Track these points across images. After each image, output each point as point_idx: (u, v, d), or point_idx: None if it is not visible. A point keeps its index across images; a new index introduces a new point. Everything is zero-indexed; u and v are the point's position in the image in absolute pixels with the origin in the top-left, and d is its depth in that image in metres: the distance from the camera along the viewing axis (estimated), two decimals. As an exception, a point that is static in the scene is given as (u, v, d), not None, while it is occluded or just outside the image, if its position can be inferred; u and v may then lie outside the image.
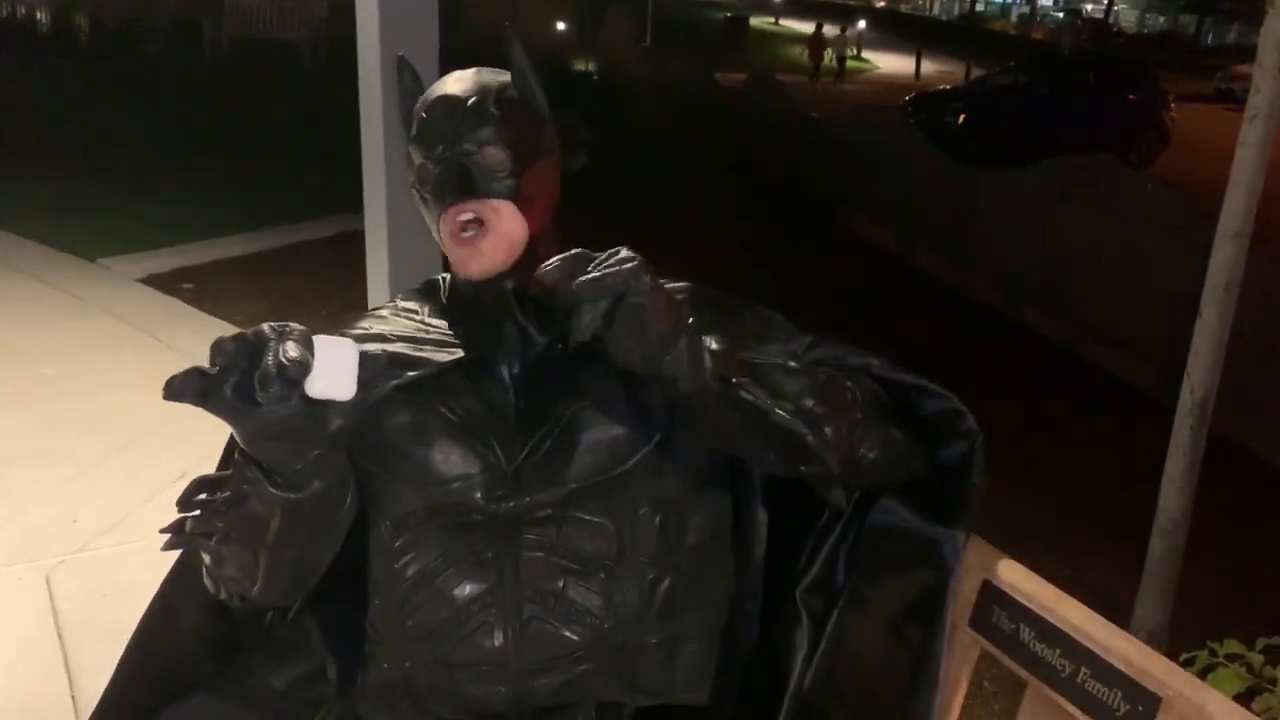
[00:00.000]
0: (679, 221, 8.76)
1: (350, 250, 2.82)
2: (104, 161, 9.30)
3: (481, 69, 1.28)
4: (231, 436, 1.26)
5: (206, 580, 1.21)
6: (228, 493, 1.08)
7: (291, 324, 0.98)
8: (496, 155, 1.20)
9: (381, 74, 2.66)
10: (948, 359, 5.85)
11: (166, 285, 6.02)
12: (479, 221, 1.20)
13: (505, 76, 1.27)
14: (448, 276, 1.37)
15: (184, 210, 7.74)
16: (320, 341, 0.96)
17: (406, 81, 1.32)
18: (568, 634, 1.23)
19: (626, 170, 10.00)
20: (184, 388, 0.94)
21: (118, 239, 6.81)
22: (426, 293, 1.38)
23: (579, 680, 1.25)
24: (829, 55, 26.91)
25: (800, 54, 29.97)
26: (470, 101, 1.22)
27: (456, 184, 1.19)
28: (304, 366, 0.93)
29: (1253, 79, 2.49)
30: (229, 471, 1.09)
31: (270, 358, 0.92)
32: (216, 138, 10.63)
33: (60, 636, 2.71)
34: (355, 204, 2.89)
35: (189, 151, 9.91)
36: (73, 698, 2.47)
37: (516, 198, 1.22)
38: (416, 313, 1.34)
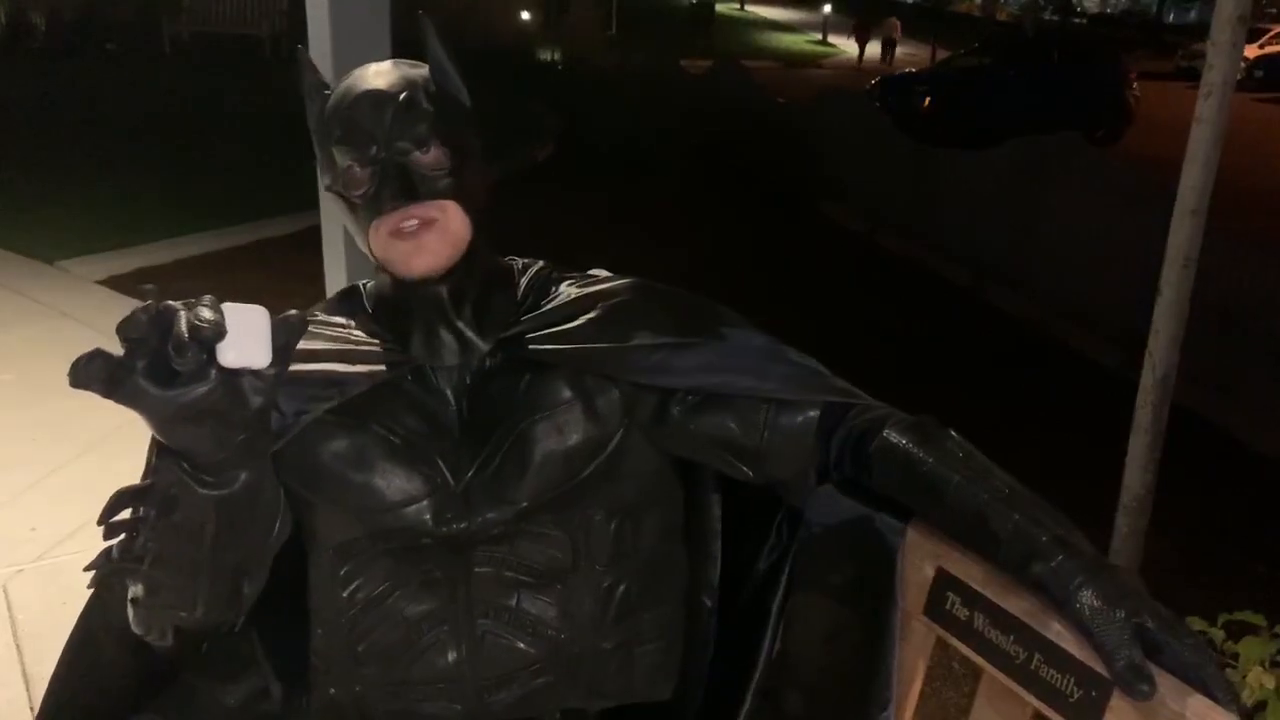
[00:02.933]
0: (646, 209, 8.75)
1: (314, 246, 2.79)
2: (62, 161, 9.17)
3: (399, 61, 1.21)
4: (152, 448, 1.21)
5: (135, 622, 1.08)
6: (153, 505, 0.99)
7: (201, 297, 0.90)
8: (433, 154, 1.13)
9: (334, 65, 2.62)
10: (917, 340, 5.89)
11: (127, 287, 5.93)
12: (425, 223, 1.13)
13: (425, 69, 1.20)
14: (369, 283, 1.29)
15: (145, 209, 7.64)
16: (230, 308, 0.89)
17: (309, 77, 1.23)
18: (523, 646, 1.20)
19: (594, 159, 9.97)
20: (89, 374, 0.85)
21: (77, 240, 6.72)
22: (346, 300, 1.29)
23: (536, 694, 1.22)
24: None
25: (769, 39, 30.31)
26: (401, 97, 1.14)
27: (396, 187, 1.12)
28: (218, 327, 0.86)
29: (1207, 56, 2.50)
30: (150, 482, 1.01)
31: (182, 324, 0.85)
32: (177, 135, 10.51)
33: (18, 647, 2.67)
34: (318, 199, 2.85)
35: (149, 149, 9.78)
36: (31, 709, 2.43)
37: (458, 196, 1.15)
38: (341, 325, 1.24)
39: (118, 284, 6.00)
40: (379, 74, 1.18)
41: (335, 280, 2.82)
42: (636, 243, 7.09)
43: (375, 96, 1.14)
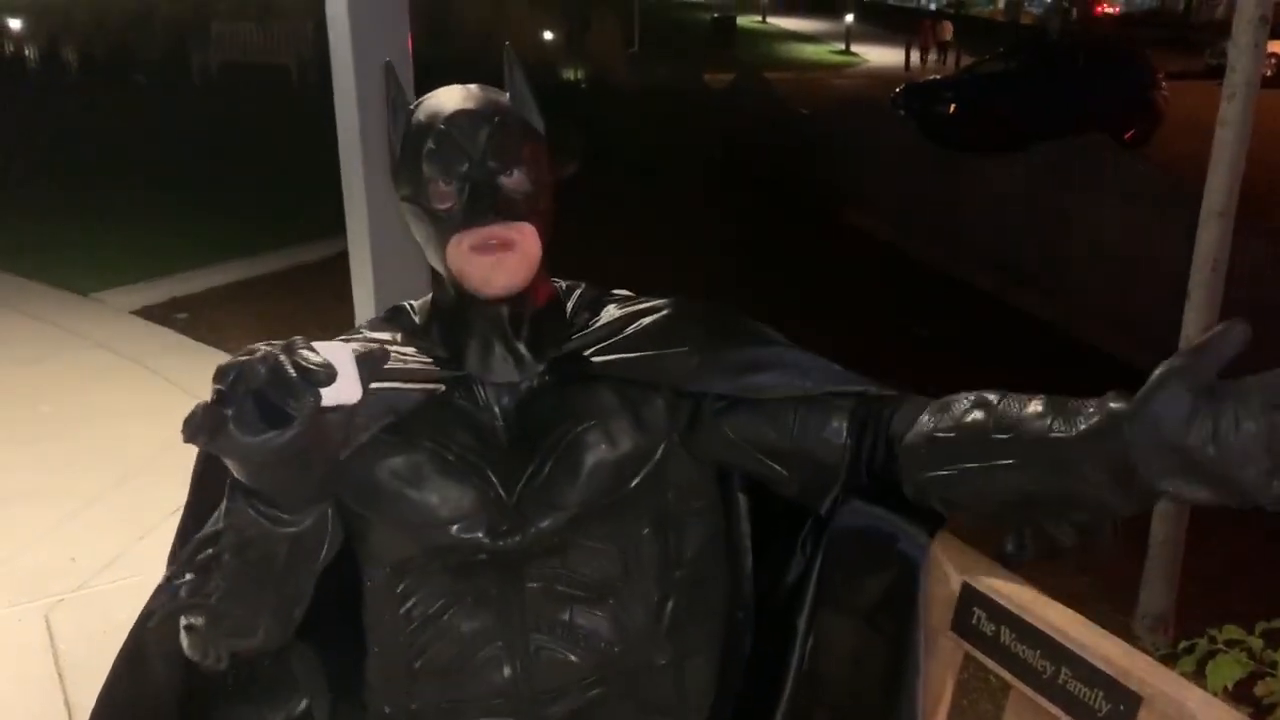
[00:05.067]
0: (674, 223, 8.77)
1: (343, 271, 2.83)
2: (95, 194, 9.31)
3: (484, 86, 1.25)
4: (197, 477, 1.24)
5: (190, 648, 1.14)
6: (227, 548, 1.03)
7: (292, 339, 0.92)
8: (520, 177, 1.18)
9: (357, 93, 2.66)
10: (945, 346, 5.87)
11: (160, 316, 6.01)
12: (504, 245, 1.17)
13: (506, 96, 1.24)
14: (414, 303, 1.34)
15: (177, 239, 7.74)
16: (320, 348, 0.91)
17: (394, 91, 1.27)
18: (576, 659, 1.21)
19: (621, 175, 10.01)
20: (197, 427, 0.87)
21: (111, 271, 6.81)
22: (394, 320, 1.33)
23: (590, 707, 1.22)
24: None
25: (792, 50, 30.53)
26: (496, 120, 1.19)
27: (486, 205, 1.15)
28: (330, 369, 0.88)
29: (1228, 58, 2.48)
30: (219, 526, 1.04)
31: (290, 370, 0.87)
32: (207, 165, 10.64)
33: (60, 676, 2.71)
34: (344, 225, 2.88)
35: (180, 180, 9.91)
36: (74, 737, 2.46)
37: (536, 219, 1.19)
38: (389, 342, 1.28)
39: (152, 314, 6.07)
40: (469, 96, 1.22)
41: (363, 304, 2.85)
42: (666, 255, 7.11)
43: (471, 115, 1.19)
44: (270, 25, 19.20)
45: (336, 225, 2.86)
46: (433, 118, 1.20)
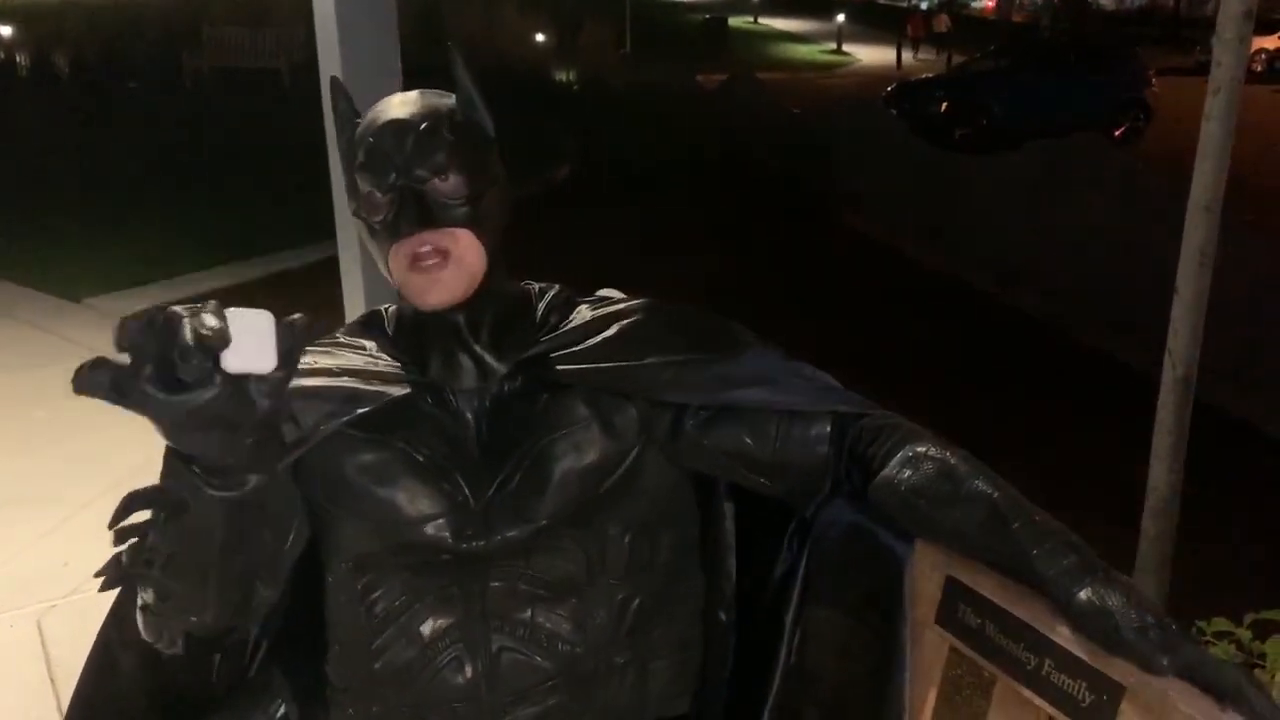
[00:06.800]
0: (666, 224, 8.77)
1: (334, 276, 2.83)
2: (87, 199, 9.28)
3: (426, 90, 1.23)
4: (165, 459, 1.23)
5: (146, 629, 1.12)
6: (165, 507, 0.99)
7: (207, 302, 0.89)
8: (452, 182, 1.15)
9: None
10: (941, 346, 5.88)
11: (153, 322, 6.00)
12: (438, 252, 1.15)
13: (451, 98, 1.22)
14: (391, 307, 1.33)
15: (169, 245, 7.72)
16: (234, 313, 0.88)
17: (341, 105, 1.26)
18: (539, 661, 1.20)
19: (613, 177, 10.02)
20: (95, 381, 0.85)
21: (104, 277, 6.80)
22: (370, 324, 1.33)
23: (551, 713, 1.22)
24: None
25: (784, 51, 30.65)
26: (422, 126, 1.16)
27: (413, 214, 1.14)
28: (222, 334, 0.85)
29: (1213, 53, 2.48)
30: (161, 485, 1.00)
31: (187, 332, 0.84)
32: (199, 169, 10.62)
33: (52, 680, 2.71)
34: (335, 230, 2.89)
35: (172, 185, 9.89)
36: (67, 743, 2.46)
37: (473, 225, 1.17)
38: (363, 346, 1.28)
39: (144, 319, 6.06)
40: (404, 103, 1.20)
41: (354, 307, 2.86)
42: (658, 257, 7.11)
43: (397, 125, 1.17)
44: (261, 29, 19.14)
45: (324, 231, 2.87)
46: (365, 130, 1.19)
